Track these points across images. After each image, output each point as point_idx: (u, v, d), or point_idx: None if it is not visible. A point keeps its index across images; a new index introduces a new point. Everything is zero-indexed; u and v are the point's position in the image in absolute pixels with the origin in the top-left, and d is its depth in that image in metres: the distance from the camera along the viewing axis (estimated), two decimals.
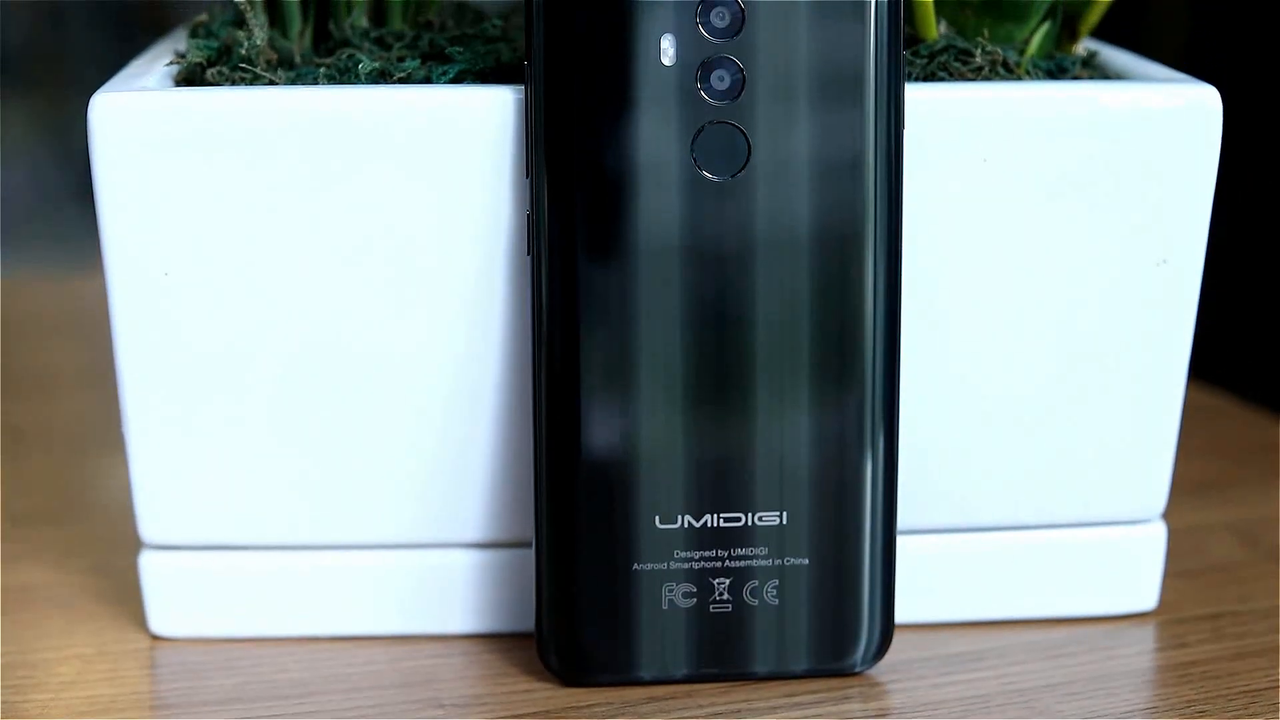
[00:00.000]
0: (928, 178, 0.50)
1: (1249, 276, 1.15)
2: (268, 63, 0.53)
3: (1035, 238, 0.51)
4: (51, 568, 0.59)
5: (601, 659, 0.50)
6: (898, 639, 0.52)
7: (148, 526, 0.53)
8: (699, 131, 0.48)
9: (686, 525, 0.49)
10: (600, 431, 0.49)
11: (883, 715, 0.50)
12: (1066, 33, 0.57)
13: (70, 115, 1.96)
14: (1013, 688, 0.51)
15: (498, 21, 0.55)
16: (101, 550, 0.60)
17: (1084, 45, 0.58)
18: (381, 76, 0.52)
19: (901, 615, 0.53)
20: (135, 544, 0.54)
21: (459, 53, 0.52)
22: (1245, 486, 0.67)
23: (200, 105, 0.49)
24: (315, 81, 0.51)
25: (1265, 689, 0.51)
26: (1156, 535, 0.55)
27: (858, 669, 0.51)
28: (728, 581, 0.50)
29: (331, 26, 0.56)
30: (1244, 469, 0.69)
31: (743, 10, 0.47)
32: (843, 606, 0.50)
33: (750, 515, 0.49)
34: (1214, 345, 0.68)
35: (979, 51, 0.53)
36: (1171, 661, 0.54)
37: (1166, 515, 0.55)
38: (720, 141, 0.48)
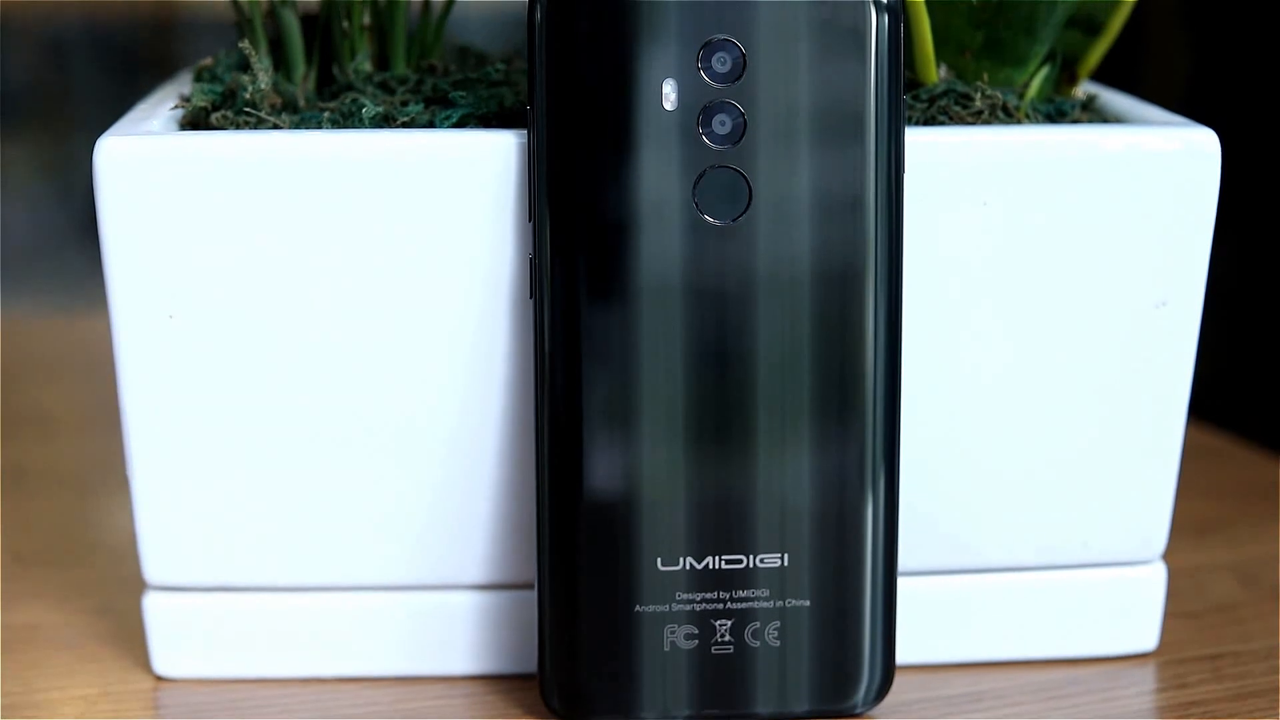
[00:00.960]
0: (929, 221, 0.50)
1: (1249, 317, 1.15)
2: (272, 106, 0.53)
3: (1035, 280, 0.51)
4: (55, 608, 0.59)
5: (604, 700, 0.50)
6: (899, 680, 0.52)
7: (152, 567, 0.53)
8: (700, 176, 0.48)
9: (688, 567, 0.49)
10: (602, 474, 0.49)
11: None
12: (1066, 76, 0.58)
13: (71, 153, 1.97)
14: None
15: (500, 65, 0.55)
16: (105, 591, 0.60)
17: (1083, 88, 0.58)
18: (385, 120, 0.52)
19: (902, 656, 0.53)
20: (139, 585, 0.54)
21: (462, 97, 0.53)
22: (1245, 527, 0.67)
23: (205, 149, 0.49)
24: (319, 125, 0.52)
25: None
26: (1156, 576, 0.55)
27: (859, 710, 0.51)
28: (729, 623, 0.50)
29: (335, 70, 0.56)
30: (1244, 509, 0.69)
31: (744, 55, 0.48)
32: (844, 648, 0.50)
33: (751, 557, 0.50)
34: (1214, 386, 0.68)
35: (979, 95, 0.53)
36: (1172, 702, 0.54)
37: (1167, 556, 0.55)
38: (722, 185, 0.48)
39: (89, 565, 0.63)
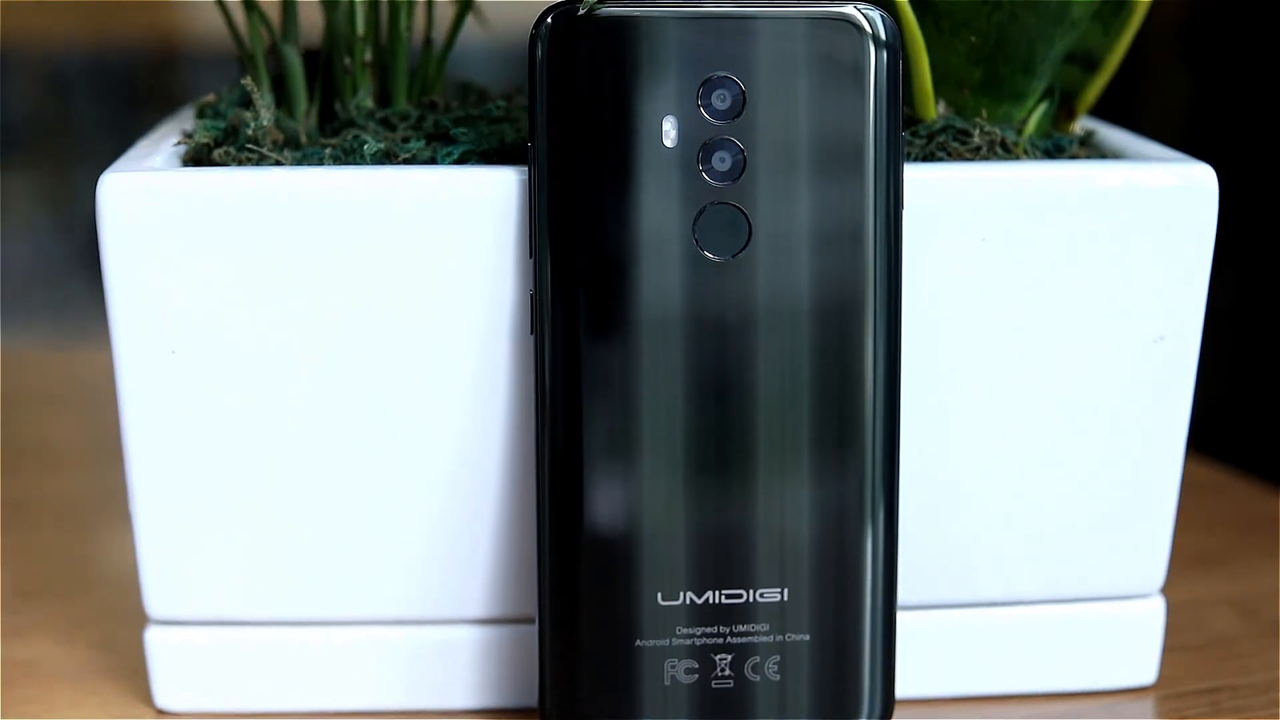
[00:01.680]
0: (927, 257, 0.51)
1: (1248, 350, 1.15)
2: (274, 143, 0.53)
3: (1034, 315, 0.52)
4: (57, 641, 0.59)
5: None
6: (898, 714, 0.52)
7: (154, 601, 0.53)
8: (700, 212, 0.48)
9: (688, 602, 0.50)
10: (603, 508, 0.49)
11: None
12: (1064, 112, 0.58)
13: (73, 185, 1.97)
14: None
15: (501, 102, 0.56)
16: (107, 625, 0.60)
17: (1081, 124, 0.59)
18: (386, 157, 0.52)
19: (902, 690, 0.53)
20: (141, 618, 0.54)
21: (463, 133, 0.53)
22: (1244, 560, 0.67)
23: (207, 186, 0.49)
24: (321, 162, 0.52)
25: None
26: (1155, 610, 0.55)
27: None
28: (729, 657, 0.50)
29: (337, 107, 0.57)
30: (1243, 543, 0.69)
31: (744, 92, 0.48)
32: (844, 682, 0.50)
33: (751, 591, 0.50)
34: (1213, 419, 0.69)
35: (977, 132, 0.53)
36: None
37: (1166, 589, 0.55)
38: (721, 222, 0.48)
39: (90, 598, 0.63)
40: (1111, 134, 0.57)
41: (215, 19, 0.59)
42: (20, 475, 0.77)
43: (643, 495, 0.49)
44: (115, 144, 0.54)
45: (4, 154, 1.96)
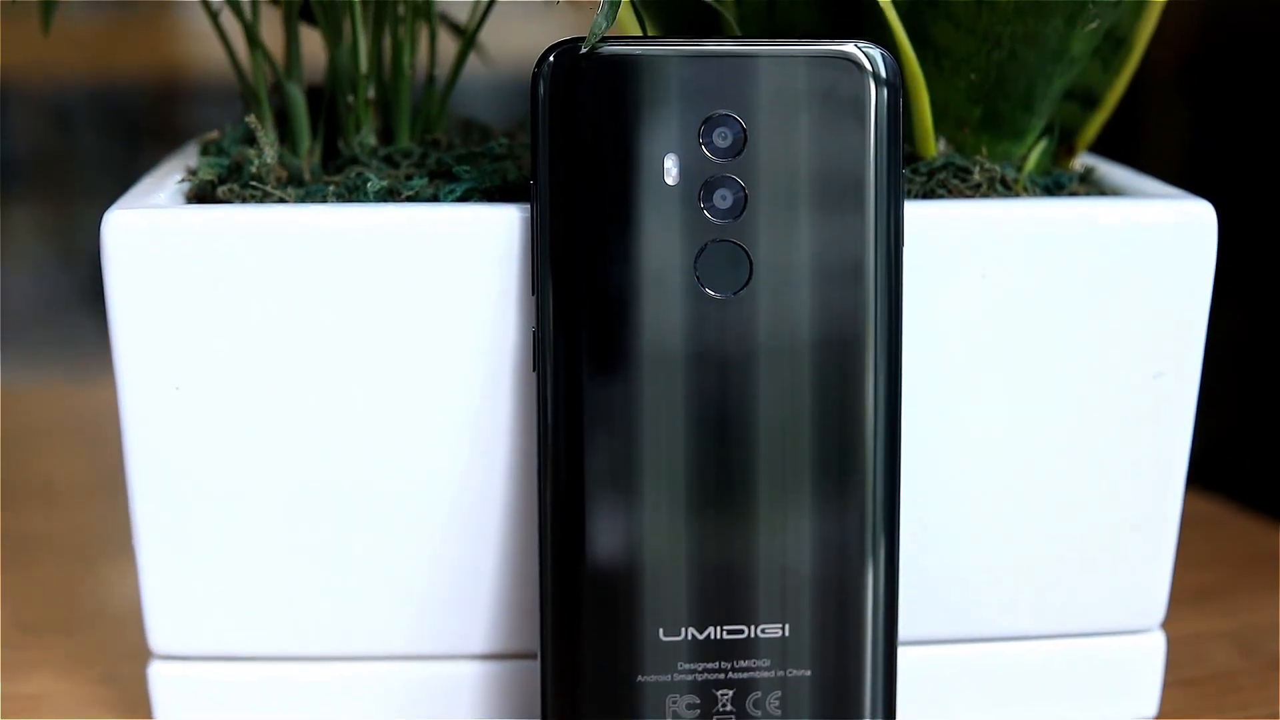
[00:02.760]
0: (928, 293, 0.51)
1: (1247, 385, 1.16)
2: (278, 180, 0.54)
3: (1033, 350, 0.52)
4: (60, 677, 0.60)
5: None
6: None
7: (157, 636, 0.53)
8: (701, 250, 0.48)
9: (690, 637, 0.50)
10: (605, 544, 0.49)
11: None
12: (1064, 148, 0.58)
13: (75, 219, 1.97)
14: None
15: (504, 140, 0.56)
16: (110, 660, 0.61)
17: (1081, 161, 0.59)
18: (389, 194, 0.52)
19: None
20: (144, 654, 0.54)
21: (466, 171, 0.53)
22: (1244, 595, 0.67)
23: (211, 223, 0.50)
24: (324, 199, 0.52)
25: None
26: (1155, 645, 0.55)
27: None
28: (731, 693, 0.50)
29: (340, 144, 0.57)
30: (1243, 577, 0.69)
31: (745, 130, 0.48)
32: (845, 718, 0.50)
33: (753, 627, 0.50)
34: (1213, 453, 0.69)
35: (977, 169, 0.53)
36: None
37: (1166, 624, 0.56)
38: (723, 259, 0.48)
39: (93, 634, 0.63)
40: (1111, 170, 0.58)
41: (217, 52, 0.59)
42: (21, 510, 0.77)
43: (644, 531, 0.49)
44: (118, 178, 0.54)
45: (6, 187, 1.96)
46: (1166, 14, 0.57)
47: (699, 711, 0.50)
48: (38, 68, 1.82)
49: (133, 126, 2.01)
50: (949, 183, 0.53)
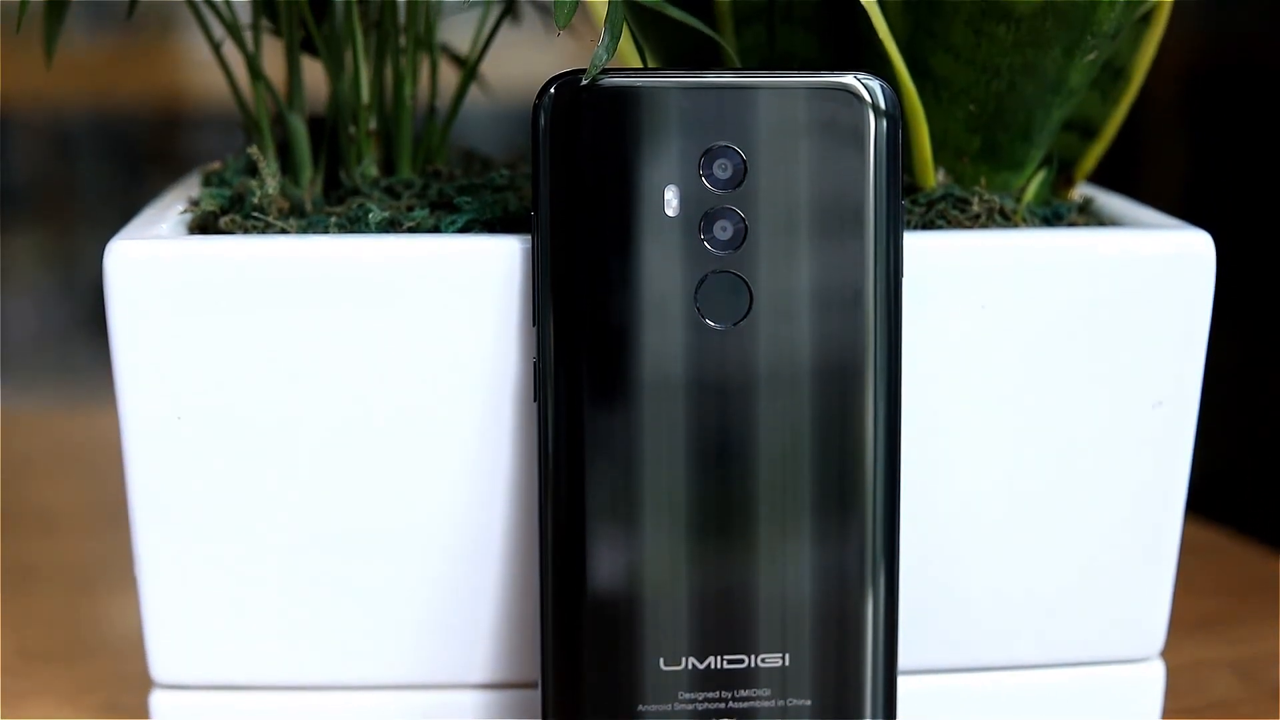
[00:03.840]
0: (928, 323, 0.51)
1: (1247, 414, 1.16)
2: (279, 211, 0.54)
3: (1033, 380, 0.52)
4: (61, 705, 0.60)
5: None
6: None
7: (159, 665, 0.53)
8: (702, 280, 0.48)
9: (690, 667, 0.50)
10: (605, 574, 0.49)
11: None
12: (1063, 179, 0.58)
13: (76, 247, 1.97)
14: None
15: (505, 171, 0.56)
16: (112, 689, 0.61)
17: (1080, 191, 0.59)
18: (391, 225, 0.52)
19: None
20: (146, 682, 0.54)
21: (467, 202, 0.53)
22: (1244, 623, 0.67)
23: (214, 253, 0.50)
24: (326, 230, 0.52)
25: None
26: (1155, 673, 0.55)
27: None
28: None
29: (342, 175, 0.57)
30: (1243, 606, 0.69)
31: (745, 162, 0.48)
32: None
33: (753, 657, 0.50)
34: (1212, 481, 0.69)
35: (976, 200, 0.54)
36: None
37: (1165, 652, 0.56)
38: (723, 290, 0.48)
39: (95, 663, 0.63)
40: (1110, 201, 0.58)
41: (218, 80, 0.59)
42: (22, 539, 0.77)
43: (645, 561, 0.49)
44: (118, 205, 0.54)
45: (7, 214, 1.97)
46: (1164, 45, 0.58)
47: None
48: (39, 94, 1.82)
49: (133, 154, 2.02)
50: (948, 213, 0.53)
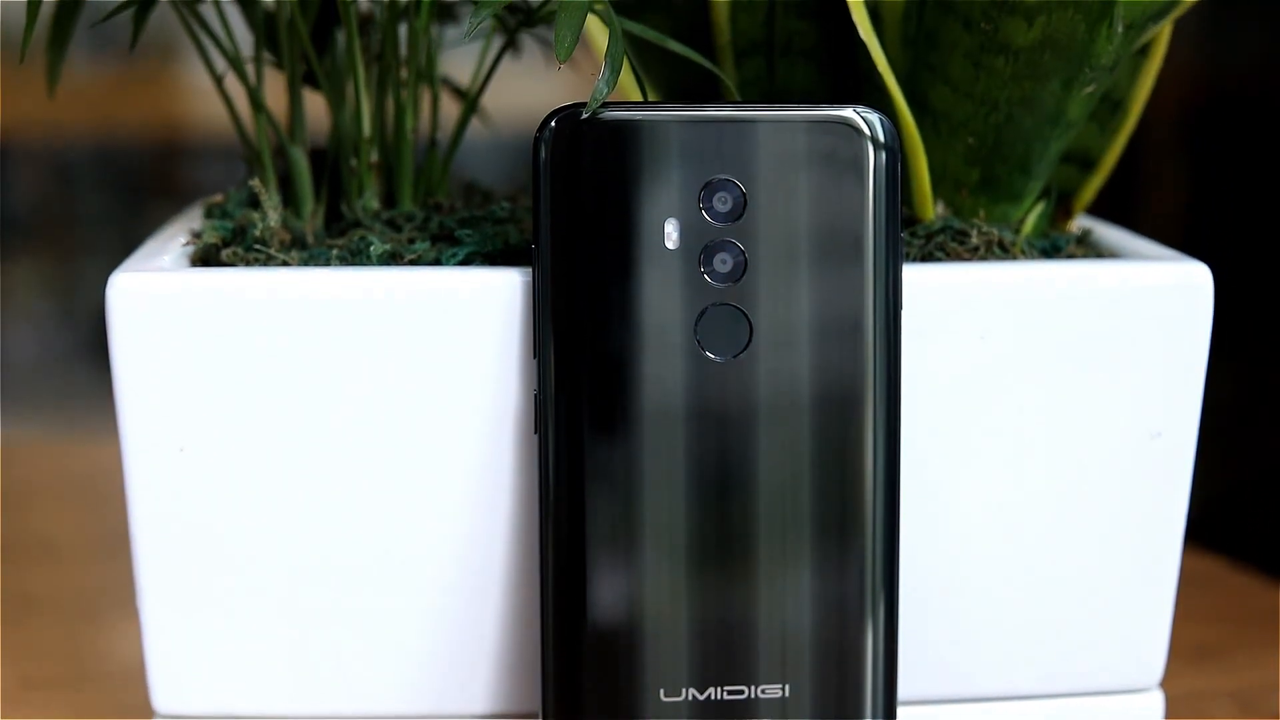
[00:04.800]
0: (927, 354, 0.51)
1: (1246, 443, 1.16)
2: (281, 243, 0.54)
3: (1032, 412, 0.52)
4: None
5: None
6: None
7: (160, 695, 0.53)
8: (702, 313, 0.49)
9: (690, 698, 0.50)
10: (606, 607, 0.49)
11: None
12: (1061, 211, 0.58)
13: (76, 275, 1.97)
14: None
15: (505, 204, 0.56)
16: (113, 718, 0.60)
17: (1078, 223, 0.59)
18: (392, 258, 0.53)
19: None
20: (147, 712, 0.54)
21: (468, 235, 0.53)
22: (1244, 653, 0.67)
23: (216, 286, 0.50)
24: (328, 262, 0.53)
25: None
26: (1154, 703, 0.55)
27: None
28: None
29: (343, 207, 0.57)
30: (1242, 635, 0.69)
31: (744, 195, 0.49)
32: None
33: (753, 688, 0.50)
34: (1212, 511, 0.69)
35: (975, 232, 0.54)
36: None
37: (1164, 682, 0.56)
38: (723, 323, 0.49)
39: (96, 692, 0.63)
40: (1108, 232, 0.58)
41: (219, 110, 0.59)
42: (22, 568, 0.77)
43: (645, 592, 0.49)
44: (119, 234, 0.54)
45: (8, 243, 1.97)
46: (1162, 78, 0.58)
47: None
48: (40, 124, 1.83)
49: (134, 183, 2.02)
50: (947, 245, 0.54)
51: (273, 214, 0.54)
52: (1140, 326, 0.52)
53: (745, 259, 0.49)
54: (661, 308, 0.48)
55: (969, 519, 0.53)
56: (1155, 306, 0.52)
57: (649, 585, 0.49)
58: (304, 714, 0.53)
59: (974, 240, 0.54)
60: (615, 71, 0.48)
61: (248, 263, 0.53)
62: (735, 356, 0.49)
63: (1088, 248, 0.57)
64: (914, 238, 0.54)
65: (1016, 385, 0.52)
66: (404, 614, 0.52)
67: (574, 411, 0.49)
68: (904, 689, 0.52)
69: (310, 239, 0.55)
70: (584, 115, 0.48)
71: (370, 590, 0.52)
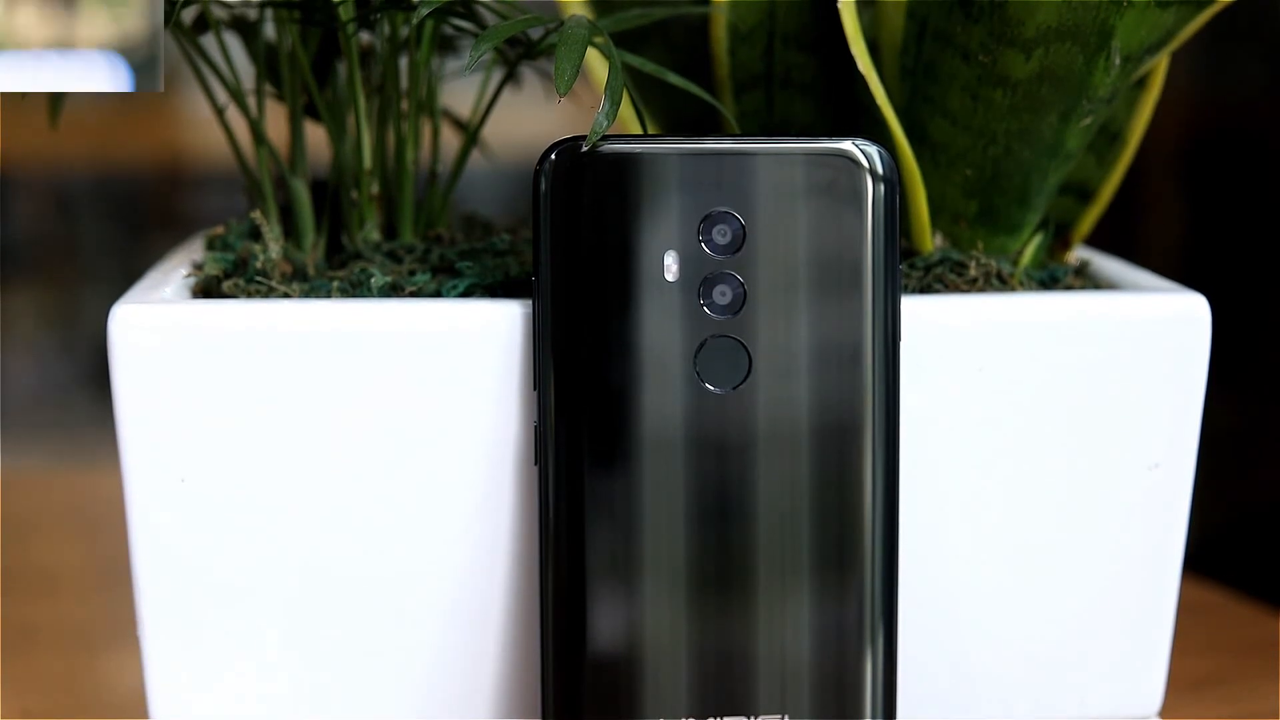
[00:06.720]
0: (925, 386, 0.51)
1: (1245, 473, 1.16)
2: (282, 275, 0.54)
3: (1030, 442, 0.52)
4: None
5: None
6: None
7: None
8: (701, 345, 0.49)
9: None
10: (606, 636, 0.49)
11: None
12: (1059, 242, 0.59)
13: (76, 305, 1.98)
14: None
15: (506, 236, 0.56)
16: None
17: (1076, 254, 0.59)
18: (393, 290, 0.53)
19: None
20: None
21: (468, 267, 0.53)
22: (1243, 682, 0.67)
23: (217, 317, 0.50)
24: (329, 294, 0.53)
25: None
26: None
27: None
28: None
29: (344, 239, 0.57)
30: (1242, 665, 0.69)
31: (744, 227, 0.49)
32: None
33: (752, 718, 0.50)
34: (1210, 542, 0.69)
35: (973, 263, 0.54)
36: None
37: (1164, 711, 0.56)
38: (722, 355, 0.49)
39: None
40: (1106, 264, 0.58)
41: (219, 140, 0.60)
42: (22, 599, 0.77)
43: (645, 623, 0.49)
44: (119, 264, 0.54)
45: (8, 273, 1.97)
46: (1160, 109, 0.58)
47: None
48: (40, 154, 1.83)
49: (134, 213, 2.02)
50: (946, 277, 0.54)
51: (274, 246, 0.54)
52: (1138, 358, 0.52)
53: (745, 291, 0.49)
54: (661, 340, 0.49)
55: (968, 548, 0.53)
56: (1154, 338, 0.52)
57: (649, 615, 0.49)
58: None
59: (972, 272, 0.54)
60: (615, 104, 0.48)
61: (249, 295, 0.53)
62: (735, 388, 0.49)
63: (1086, 279, 0.57)
64: (912, 269, 0.54)
65: (1014, 416, 0.52)
66: (405, 644, 0.52)
67: (574, 443, 0.49)
68: (904, 718, 0.52)
69: (311, 271, 0.56)
70: (584, 148, 0.48)
71: (372, 621, 0.52)
